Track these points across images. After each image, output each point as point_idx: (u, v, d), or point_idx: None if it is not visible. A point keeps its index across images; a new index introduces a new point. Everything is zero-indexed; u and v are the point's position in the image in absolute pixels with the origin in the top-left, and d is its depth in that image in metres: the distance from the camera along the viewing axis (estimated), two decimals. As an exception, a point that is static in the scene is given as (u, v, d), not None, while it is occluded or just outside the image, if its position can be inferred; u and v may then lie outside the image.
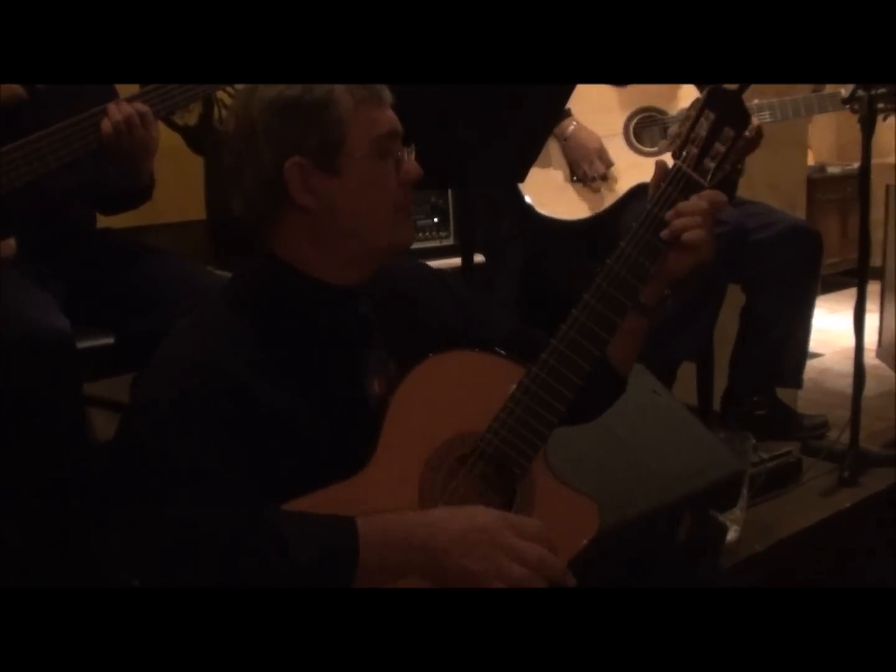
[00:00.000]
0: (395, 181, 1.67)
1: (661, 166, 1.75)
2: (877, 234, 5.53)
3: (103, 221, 2.84)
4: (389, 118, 1.67)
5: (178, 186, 3.29)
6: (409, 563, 1.50)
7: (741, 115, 1.76)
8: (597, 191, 3.40)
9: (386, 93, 1.67)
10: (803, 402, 4.14)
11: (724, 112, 1.74)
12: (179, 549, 1.49)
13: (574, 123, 3.36)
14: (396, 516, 1.52)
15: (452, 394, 1.64)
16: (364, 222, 1.66)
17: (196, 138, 3.34)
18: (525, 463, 1.63)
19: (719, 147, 1.75)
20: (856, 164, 7.48)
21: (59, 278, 2.58)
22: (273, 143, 1.60)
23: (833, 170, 7.86)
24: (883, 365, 5.78)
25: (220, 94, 3.23)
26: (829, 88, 3.37)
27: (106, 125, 2.45)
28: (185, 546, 1.48)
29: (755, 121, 3.20)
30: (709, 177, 1.74)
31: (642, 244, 1.71)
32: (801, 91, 3.49)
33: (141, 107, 2.47)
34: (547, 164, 3.35)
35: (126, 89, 2.55)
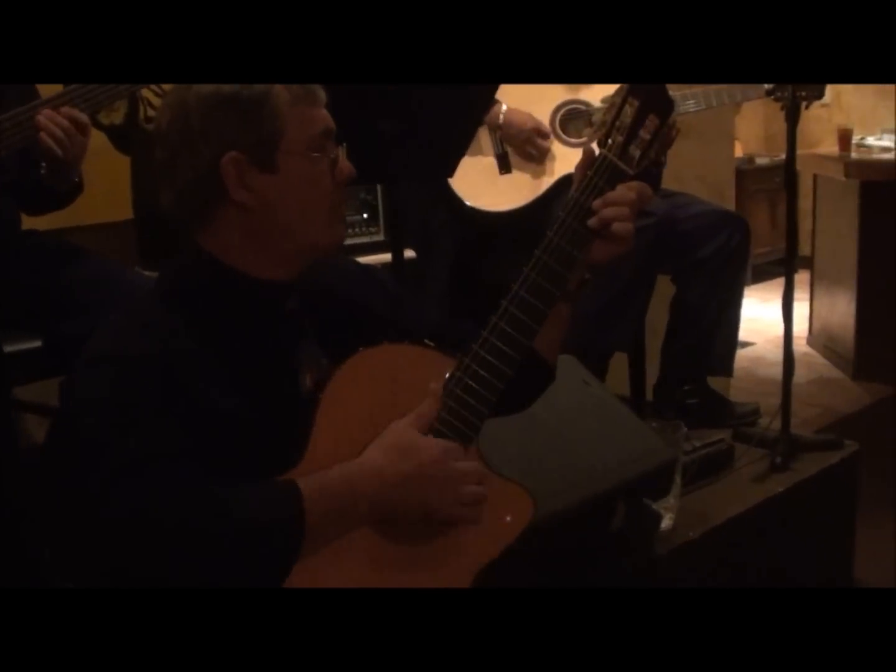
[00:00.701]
0: (330, 180, 1.67)
1: (587, 154, 1.75)
2: (805, 224, 5.63)
3: (28, 223, 2.80)
4: (324, 117, 1.67)
5: (104, 187, 3.26)
6: (357, 512, 1.55)
7: (665, 102, 1.76)
8: (532, 176, 3.41)
9: (321, 92, 1.67)
10: (736, 390, 4.18)
11: (647, 99, 1.73)
12: (129, 542, 1.47)
13: (504, 108, 3.37)
14: (336, 469, 1.55)
15: (384, 387, 1.63)
16: (299, 220, 1.66)
17: (122, 137, 3.32)
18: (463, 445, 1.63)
19: (644, 135, 1.74)
20: (784, 155, 7.62)
21: None
22: (210, 138, 1.60)
23: (761, 161, 7.96)
24: (813, 352, 5.88)
25: (146, 93, 3.21)
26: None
27: (44, 138, 2.39)
28: (136, 537, 1.46)
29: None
30: (634, 164, 1.74)
31: (569, 233, 1.70)
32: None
33: (79, 115, 2.42)
34: (475, 155, 3.35)
35: (45, 88, 2.52)
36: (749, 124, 8.20)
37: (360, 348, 1.64)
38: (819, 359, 5.77)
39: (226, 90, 1.60)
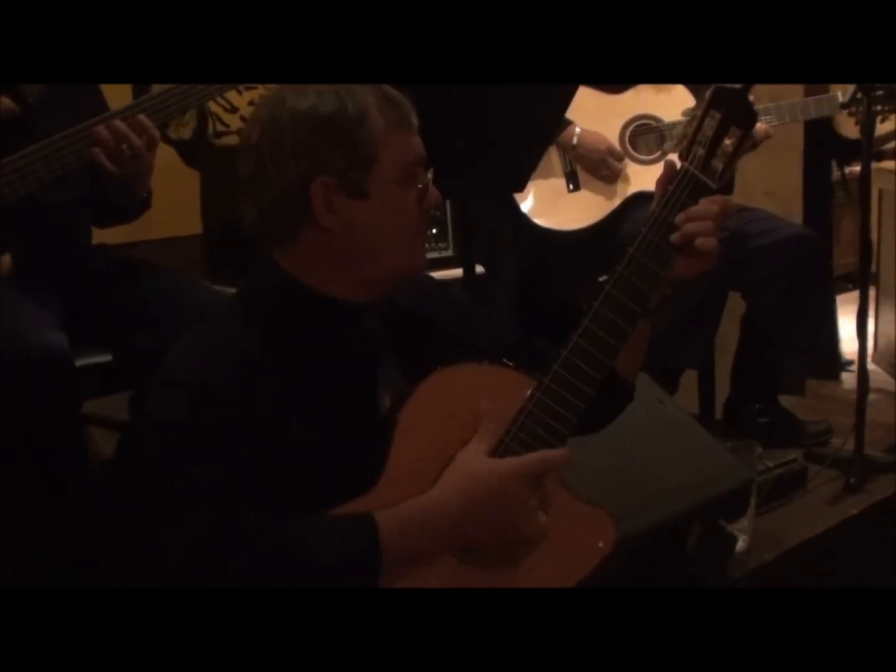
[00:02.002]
0: (418, 208, 1.65)
1: (668, 168, 1.72)
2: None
3: (98, 237, 2.80)
4: (417, 144, 1.65)
5: (173, 201, 3.27)
6: (434, 544, 1.52)
7: (747, 114, 1.72)
8: (601, 194, 3.38)
9: (414, 118, 1.64)
10: (799, 408, 4.12)
11: (729, 111, 1.70)
12: (200, 569, 1.46)
13: (578, 129, 3.35)
14: (411, 503, 1.52)
15: (462, 407, 1.61)
16: (384, 246, 1.63)
17: (191, 152, 3.33)
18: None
19: (726, 147, 1.71)
20: (846, 170, 7.50)
21: (56, 295, 2.54)
22: (301, 158, 1.57)
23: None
24: (878, 370, 5.77)
25: (214, 108, 3.22)
26: (833, 90, 3.35)
27: (97, 153, 2.38)
28: (206, 569, 1.45)
29: (761, 124, 3.19)
30: (717, 178, 1.71)
31: (651, 249, 1.67)
32: (794, 95, 3.47)
33: (152, 128, 2.41)
34: (544, 175, 3.34)
35: (114, 97, 2.51)
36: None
37: (438, 368, 1.62)
38: (884, 376, 5.67)
39: (323, 111, 1.57)
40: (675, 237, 1.67)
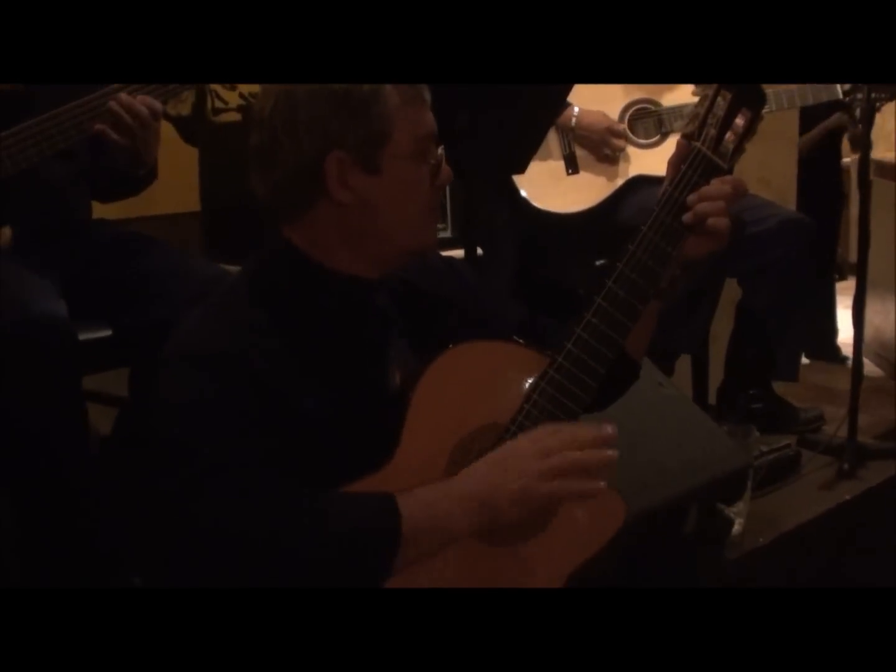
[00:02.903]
0: (430, 183, 1.65)
1: (681, 148, 1.72)
2: (853, 230, 5.55)
3: (97, 212, 2.79)
4: (430, 119, 1.64)
5: (171, 178, 3.24)
6: (453, 521, 1.51)
7: (758, 96, 1.74)
8: (600, 177, 3.38)
9: (427, 93, 1.64)
10: (789, 396, 4.13)
11: (740, 92, 1.71)
12: (215, 550, 1.46)
13: (577, 110, 3.34)
14: (429, 487, 1.52)
15: (475, 385, 1.62)
16: (396, 222, 1.63)
17: (189, 129, 3.32)
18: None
19: (737, 128, 1.72)
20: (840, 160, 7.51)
21: (55, 268, 2.52)
22: (316, 133, 1.56)
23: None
24: (865, 360, 5.80)
25: (214, 85, 3.21)
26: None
27: (107, 130, 2.39)
28: (222, 545, 1.45)
29: None
30: (728, 158, 1.72)
31: (663, 228, 1.68)
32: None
33: (153, 102, 2.41)
34: (542, 157, 3.31)
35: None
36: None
37: (450, 345, 1.62)
38: (870, 366, 5.70)
39: (336, 86, 1.56)
40: (687, 217, 1.68)
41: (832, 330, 5.34)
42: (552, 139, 3.35)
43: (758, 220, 3.42)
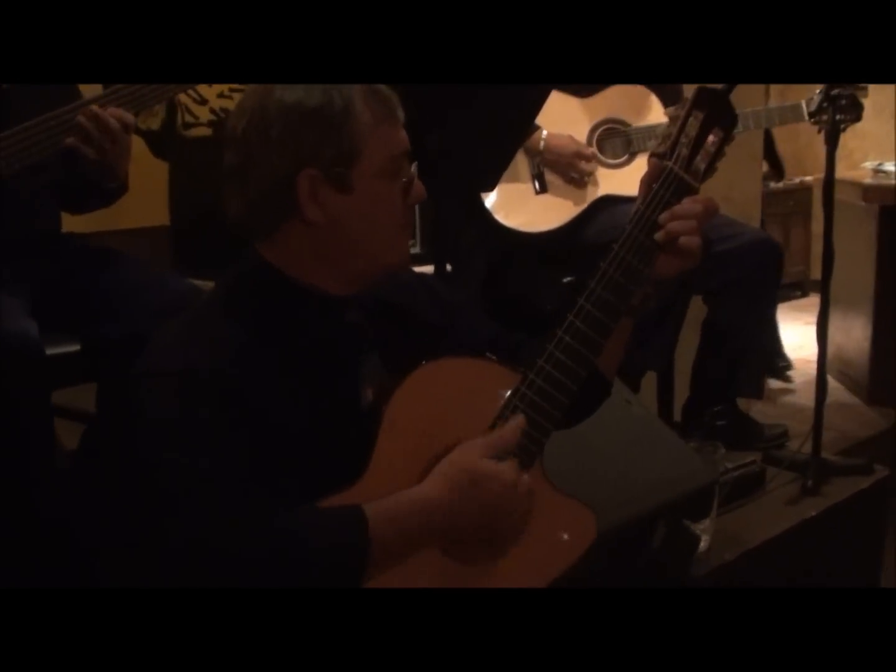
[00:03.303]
0: (403, 201, 1.66)
1: (653, 167, 1.74)
2: (816, 248, 5.61)
3: (66, 225, 2.77)
4: (403, 137, 1.66)
5: (141, 191, 3.24)
6: (422, 532, 1.53)
7: (729, 116, 1.77)
8: (568, 197, 3.39)
9: (400, 112, 1.65)
10: (753, 413, 4.16)
11: (712, 112, 1.74)
12: (190, 564, 1.46)
13: (545, 133, 3.35)
14: (398, 495, 1.52)
15: (448, 401, 1.63)
16: (368, 240, 1.64)
17: (159, 143, 3.31)
18: (527, 463, 1.62)
19: (709, 147, 1.75)
20: (797, 179, 7.58)
21: (24, 282, 2.51)
22: (288, 151, 1.57)
23: (775, 185, 7.94)
24: (828, 377, 5.85)
25: (184, 99, 3.20)
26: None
27: (74, 142, 2.38)
28: (196, 560, 1.46)
29: None
30: (699, 178, 1.74)
31: (636, 246, 1.70)
32: (757, 101, 3.50)
33: (125, 115, 2.40)
34: (512, 178, 3.33)
35: (85, 86, 2.51)
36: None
37: (423, 362, 1.63)
38: (833, 383, 5.74)
39: (309, 103, 1.57)
40: (659, 235, 1.70)
41: (778, 347, 5.43)
42: (521, 160, 3.36)
43: (724, 238, 3.44)
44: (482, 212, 3.36)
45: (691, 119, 1.74)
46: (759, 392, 3.64)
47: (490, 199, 3.34)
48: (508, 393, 1.63)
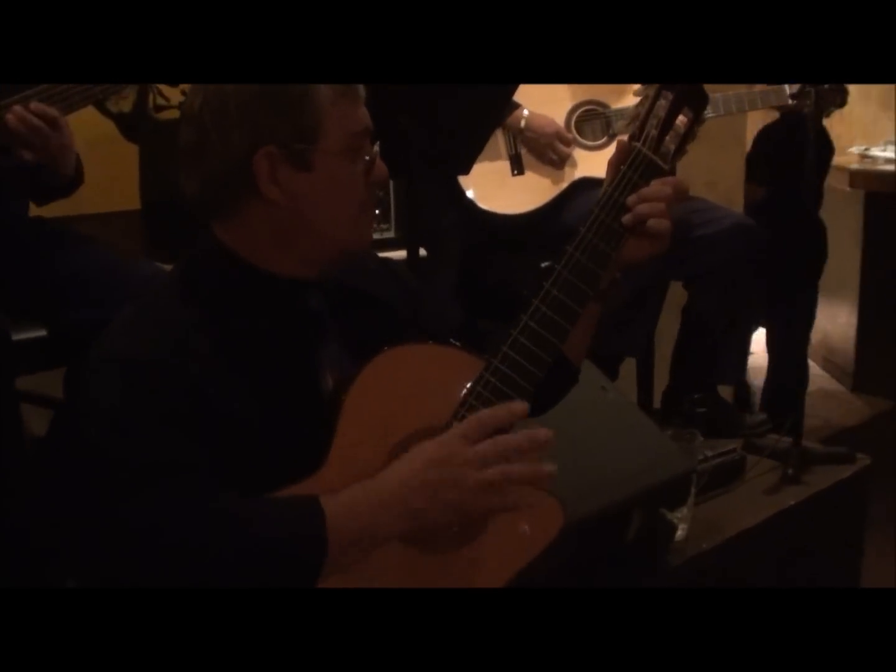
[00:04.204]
0: (364, 181, 1.61)
1: (621, 148, 1.71)
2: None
3: (34, 210, 2.75)
4: (364, 115, 1.61)
5: (111, 175, 3.21)
6: (381, 526, 1.46)
7: (699, 96, 1.73)
8: (545, 179, 3.36)
9: (362, 89, 1.61)
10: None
11: (682, 92, 1.70)
12: (138, 552, 1.42)
13: (526, 112, 3.31)
14: (356, 487, 1.47)
15: (410, 389, 1.59)
16: (328, 220, 1.60)
17: (130, 126, 3.27)
18: None
19: (678, 129, 1.71)
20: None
21: None
22: (245, 128, 1.53)
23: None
24: (812, 364, 5.84)
25: (156, 82, 3.15)
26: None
27: (18, 142, 2.35)
28: (144, 548, 1.42)
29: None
30: (669, 159, 1.70)
31: (602, 230, 1.66)
32: (741, 86, 3.47)
33: (47, 111, 2.35)
34: (489, 158, 3.29)
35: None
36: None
37: (385, 348, 1.59)
38: (818, 370, 5.73)
39: None
40: (626, 218, 1.66)
41: None
42: (498, 139, 3.34)
43: (705, 222, 3.41)
44: (459, 194, 3.34)
45: (661, 100, 1.71)
46: (738, 379, 3.60)
47: (467, 181, 3.30)
48: (472, 379, 1.58)
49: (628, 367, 3.66)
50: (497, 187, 3.35)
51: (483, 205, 3.35)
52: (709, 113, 3.20)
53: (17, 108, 2.32)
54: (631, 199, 1.67)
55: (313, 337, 1.66)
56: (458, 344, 1.66)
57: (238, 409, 1.52)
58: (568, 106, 3.39)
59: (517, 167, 3.37)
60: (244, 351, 1.57)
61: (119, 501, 1.43)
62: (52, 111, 2.35)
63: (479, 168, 3.03)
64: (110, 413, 1.49)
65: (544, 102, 3.34)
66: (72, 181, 2.56)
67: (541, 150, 3.34)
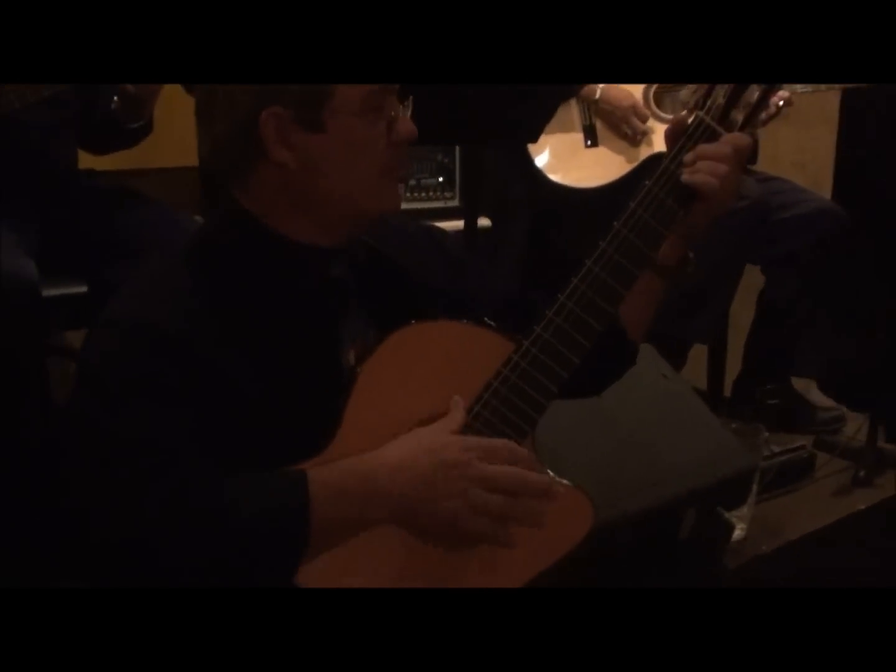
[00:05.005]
0: (385, 141, 1.49)
1: (679, 120, 1.58)
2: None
3: (88, 162, 2.70)
4: None
5: (172, 130, 3.12)
6: (372, 511, 1.37)
7: None
8: (620, 152, 3.24)
9: None
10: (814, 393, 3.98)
11: None
12: (117, 539, 1.33)
13: (601, 84, 3.20)
14: (353, 461, 1.37)
15: (432, 369, 1.47)
16: (346, 185, 1.48)
17: (190, 78, 3.19)
18: None
19: (749, 97, 1.56)
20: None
21: (32, 220, 2.45)
22: (251, 86, 1.42)
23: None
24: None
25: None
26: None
27: None
28: (123, 534, 1.33)
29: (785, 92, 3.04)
30: (736, 130, 1.57)
31: (655, 205, 1.54)
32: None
33: None
34: (562, 129, 3.20)
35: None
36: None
37: (410, 322, 1.47)
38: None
39: None
40: (684, 177, 1.54)
41: None
42: (573, 109, 3.24)
43: (786, 205, 3.29)
44: (528, 165, 3.23)
45: None
46: (815, 371, 3.46)
47: (537, 152, 3.21)
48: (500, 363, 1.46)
49: (700, 353, 3.52)
50: (568, 159, 3.24)
51: (553, 176, 3.23)
52: (802, 87, 3.09)
53: None
54: (688, 157, 1.54)
55: (335, 308, 1.55)
56: (492, 323, 1.53)
57: (247, 382, 1.42)
58: (644, 79, 3.24)
59: (591, 138, 3.26)
60: (258, 321, 1.47)
61: (96, 475, 1.36)
62: None
63: (550, 138, 2.98)
64: (104, 378, 1.41)
65: (622, 73, 3.20)
66: (145, 127, 2.53)
67: (616, 122, 3.23)
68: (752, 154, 3.28)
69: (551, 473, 1.48)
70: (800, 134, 4.09)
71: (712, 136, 1.54)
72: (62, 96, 2.37)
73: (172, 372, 1.38)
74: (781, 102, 2.77)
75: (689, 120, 1.56)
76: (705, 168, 1.53)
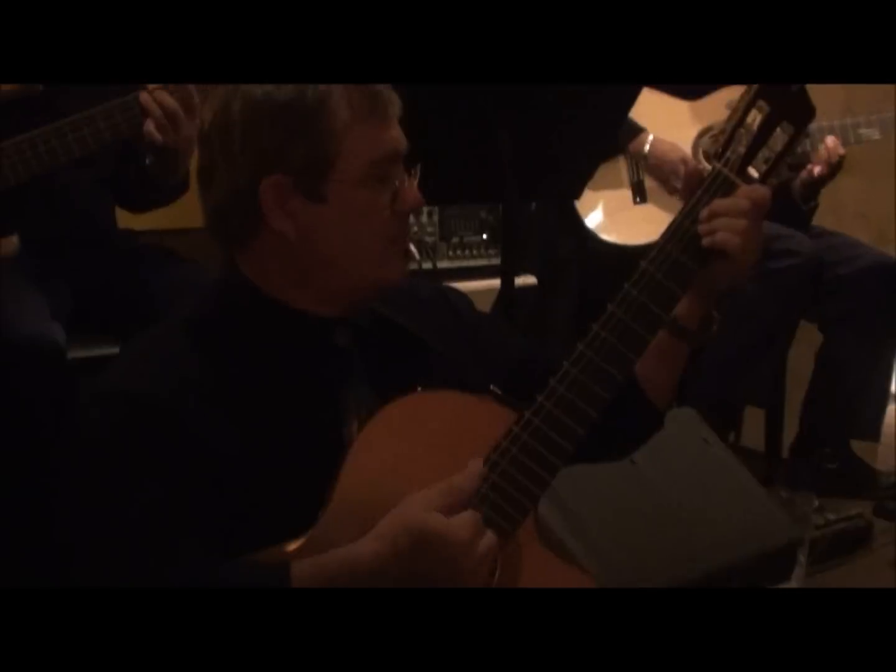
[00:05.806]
0: (389, 211, 1.44)
1: (692, 174, 1.50)
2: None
3: (126, 222, 2.70)
4: (392, 138, 1.44)
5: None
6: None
7: (803, 108, 1.49)
8: (668, 209, 3.15)
9: (393, 107, 1.44)
10: (879, 454, 3.85)
11: (781, 103, 1.47)
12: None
13: (651, 137, 3.16)
14: (336, 554, 1.30)
15: (427, 440, 1.40)
16: (348, 255, 1.44)
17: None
18: (509, 527, 1.37)
19: (773, 146, 1.48)
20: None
21: (64, 280, 2.47)
22: (251, 152, 1.40)
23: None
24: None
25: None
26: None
27: (147, 122, 2.29)
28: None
29: (841, 149, 2.97)
30: (756, 183, 1.48)
31: (668, 264, 1.45)
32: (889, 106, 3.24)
33: (190, 94, 2.28)
34: (610, 185, 3.17)
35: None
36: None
37: (411, 391, 1.41)
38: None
39: (276, 98, 1.39)
40: (703, 236, 1.46)
41: None
42: (620, 166, 3.22)
43: (843, 260, 3.23)
44: (575, 222, 3.20)
45: (753, 111, 1.47)
46: (875, 434, 3.34)
47: (585, 209, 3.18)
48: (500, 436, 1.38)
49: (759, 414, 3.44)
50: (617, 215, 3.22)
51: (602, 235, 3.21)
52: (873, 134, 3.00)
53: (154, 87, 2.29)
54: (703, 213, 1.46)
55: (338, 378, 1.49)
56: (497, 391, 1.46)
57: (240, 454, 1.37)
58: (693, 130, 3.21)
59: (640, 195, 3.23)
60: (256, 391, 1.42)
61: (81, 542, 1.36)
62: (194, 99, 2.29)
63: (598, 194, 2.96)
64: (90, 446, 1.40)
65: (668, 127, 3.19)
66: (179, 185, 2.50)
67: (665, 177, 3.16)
68: (810, 213, 3.22)
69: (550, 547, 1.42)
70: (863, 184, 4.02)
71: (730, 189, 1.46)
72: (94, 155, 2.36)
73: (160, 441, 1.35)
74: (837, 159, 2.70)
75: (707, 172, 1.48)
76: (723, 225, 1.45)
